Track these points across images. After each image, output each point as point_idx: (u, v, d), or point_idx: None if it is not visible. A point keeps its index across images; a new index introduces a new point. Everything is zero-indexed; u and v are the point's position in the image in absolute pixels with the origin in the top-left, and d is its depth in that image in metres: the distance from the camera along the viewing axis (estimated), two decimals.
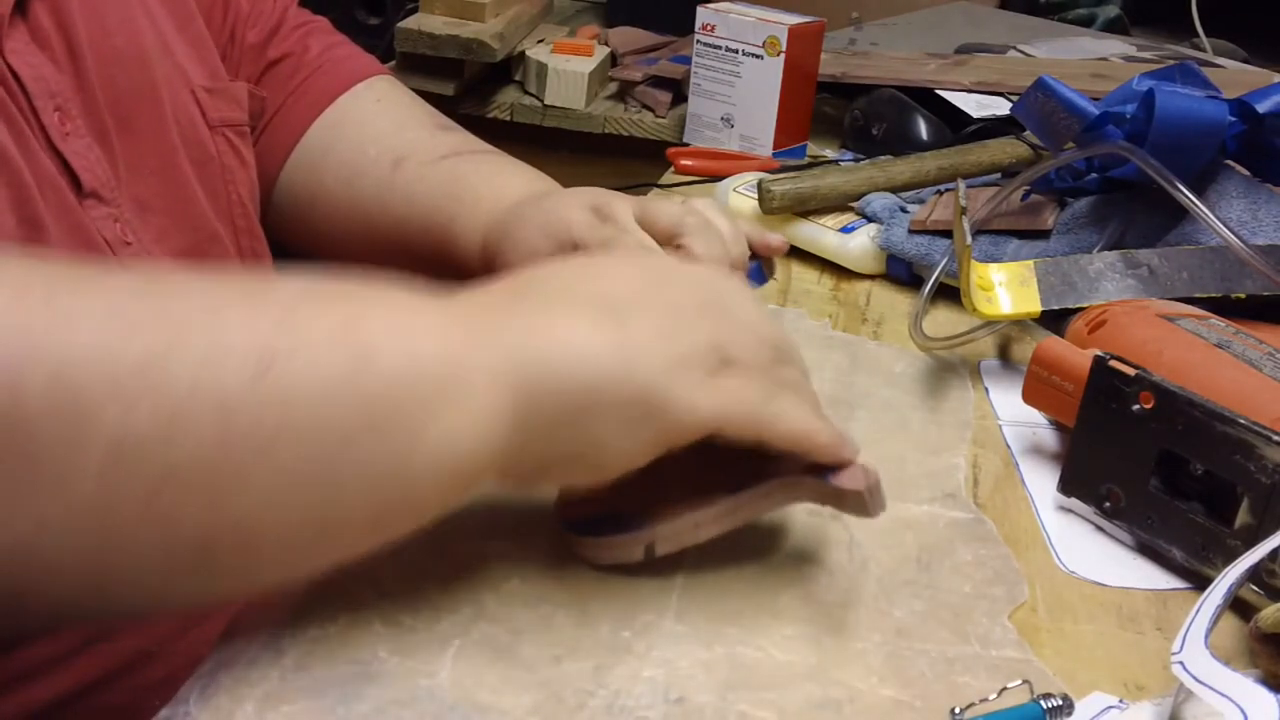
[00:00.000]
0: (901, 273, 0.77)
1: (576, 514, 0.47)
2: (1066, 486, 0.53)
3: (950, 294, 0.69)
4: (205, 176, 0.62)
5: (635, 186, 0.95)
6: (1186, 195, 0.63)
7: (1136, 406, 0.49)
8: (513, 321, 0.40)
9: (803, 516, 0.51)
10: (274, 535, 0.35)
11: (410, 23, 1.28)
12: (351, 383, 0.35)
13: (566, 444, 0.40)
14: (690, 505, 0.45)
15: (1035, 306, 0.65)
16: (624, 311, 0.41)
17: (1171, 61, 0.93)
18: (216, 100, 0.64)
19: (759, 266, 0.62)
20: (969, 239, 0.62)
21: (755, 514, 0.46)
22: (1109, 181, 0.74)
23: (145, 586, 0.35)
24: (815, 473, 0.44)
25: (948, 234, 0.74)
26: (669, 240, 0.57)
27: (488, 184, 0.65)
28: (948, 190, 0.81)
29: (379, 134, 0.70)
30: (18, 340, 0.31)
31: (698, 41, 1.02)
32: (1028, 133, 0.85)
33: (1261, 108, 0.70)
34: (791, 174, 0.82)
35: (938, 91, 1.04)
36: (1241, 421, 0.46)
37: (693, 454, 0.43)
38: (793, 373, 0.45)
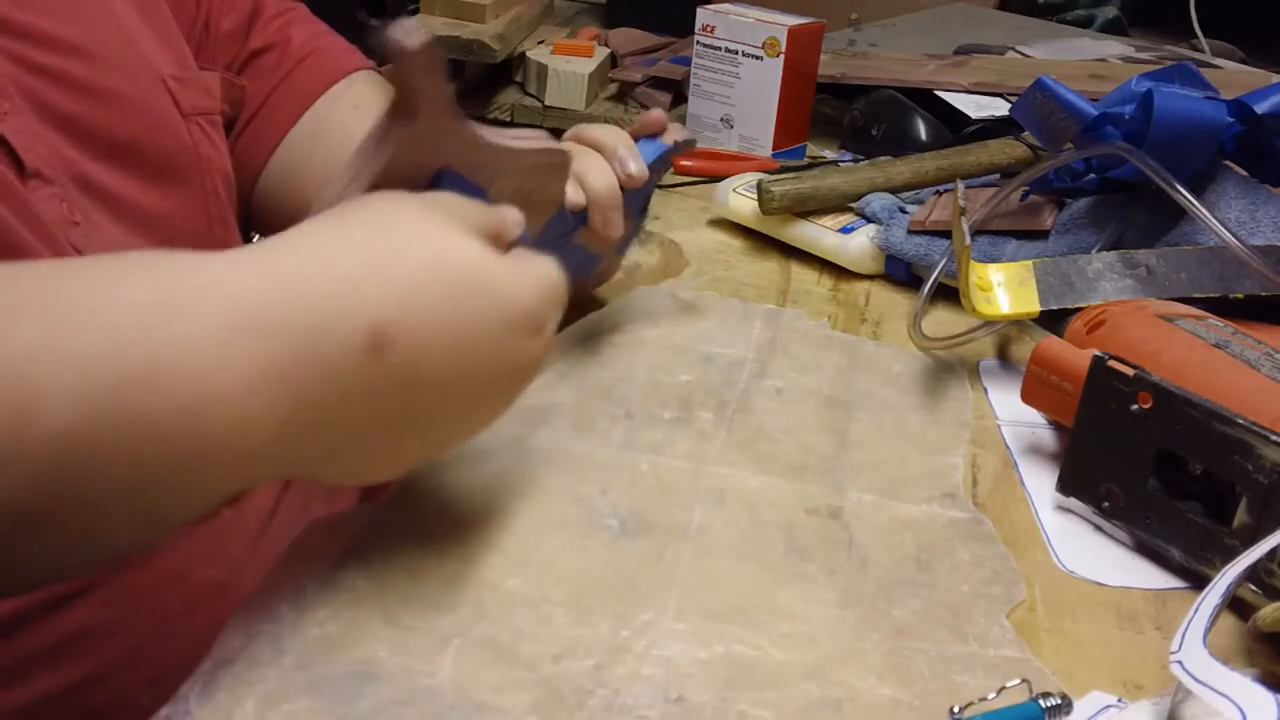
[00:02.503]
0: (900, 273, 0.77)
1: None
2: (1065, 486, 0.53)
3: (949, 294, 0.70)
4: (179, 165, 0.62)
5: None
6: (1185, 196, 0.63)
7: (1135, 406, 0.49)
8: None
9: (802, 516, 0.51)
10: None
11: None
12: None
13: None
14: None
15: (1034, 307, 0.65)
16: None
17: (1170, 62, 0.94)
18: (188, 89, 0.64)
19: (663, 151, 0.65)
20: (968, 239, 0.63)
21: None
22: (1107, 182, 0.74)
23: None
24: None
25: (947, 234, 0.74)
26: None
27: None
28: (947, 191, 0.81)
29: (356, 144, 0.71)
30: None
31: (697, 43, 1.03)
32: (1026, 133, 0.85)
33: (1260, 108, 0.70)
34: (791, 174, 0.82)
35: (937, 92, 1.04)
36: (1240, 421, 0.46)
37: None
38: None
